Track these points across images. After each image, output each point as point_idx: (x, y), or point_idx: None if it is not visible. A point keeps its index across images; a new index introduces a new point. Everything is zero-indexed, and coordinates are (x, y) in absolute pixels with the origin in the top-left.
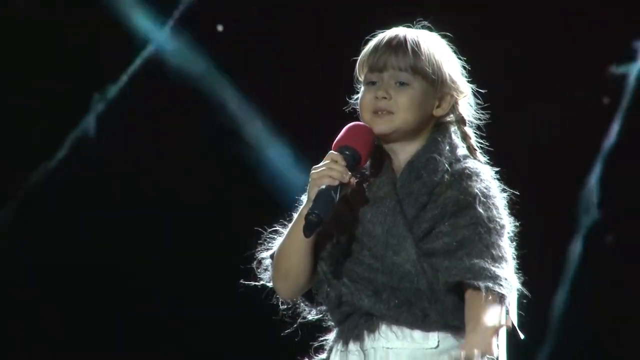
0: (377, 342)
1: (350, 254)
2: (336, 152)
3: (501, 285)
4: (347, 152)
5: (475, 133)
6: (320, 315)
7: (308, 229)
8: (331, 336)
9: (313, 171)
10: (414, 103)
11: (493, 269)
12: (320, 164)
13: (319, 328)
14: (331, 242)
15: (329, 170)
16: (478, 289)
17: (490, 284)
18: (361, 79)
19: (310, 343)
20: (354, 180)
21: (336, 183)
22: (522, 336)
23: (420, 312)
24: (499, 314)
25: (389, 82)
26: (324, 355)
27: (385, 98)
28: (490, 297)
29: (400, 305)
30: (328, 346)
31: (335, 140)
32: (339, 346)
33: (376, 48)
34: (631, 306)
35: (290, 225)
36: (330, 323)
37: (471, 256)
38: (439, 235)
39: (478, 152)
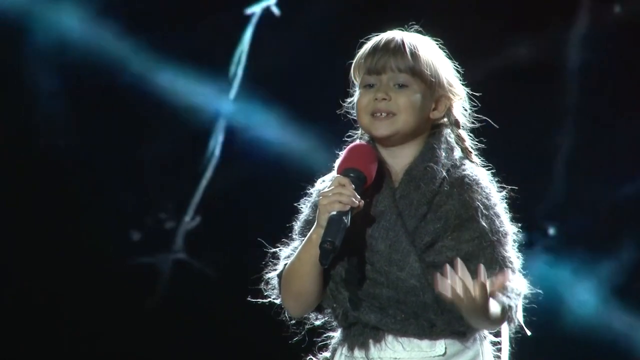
0: (383, 352)
1: (354, 269)
2: (342, 176)
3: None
4: (352, 175)
5: (469, 135)
6: (326, 319)
7: (324, 258)
8: (336, 335)
9: (322, 198)
10: (414, 104)
11: None
12: (328, 189)
13: (322, 326)
14: (336, 258)
15: (339, 195)
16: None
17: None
18: (357, 82)
19: (314, 339)
20: (362, 203)
21: (347, 208)
22: (528, 332)
23: (427, 322)
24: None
25: (387, 85)
26: (327, 354)
27: (385, 99)
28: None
29: (408, 318)
30: (332, 346)
31: (339, 163)
32: (344, 350)
33: (374, 50)
34: None
35: (299, 247)
36: (335, 323)
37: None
38: (442, 250)
39: (473, 155)
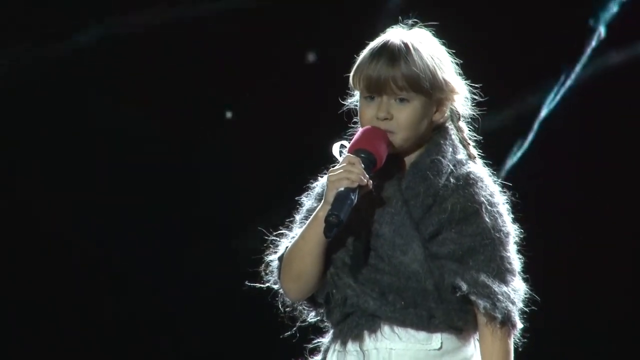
0: (379, 342)
1: (356, 255)
2: (353, 155)
3: (496, 307)
4: (362, 155)
5: (468, 127)
6: (318, 318)
7: (329, 230)
8: (327, 337)
9: (331, 174)
10: (414, 119)
11: (493, 286)
12: (338, 166)
13: (313, 330)
14: (338, 243)
15: (348, 173)
16: (480, 312)
17: (489, 305)
18: (357, 87)
19: (305, 345)
20: (371, 183)
21: (355, 185)
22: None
23: (426, 312)
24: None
25: (388, 102)
26: (318, 357)
27: (386, 119)
28: (496, 328)
29: (407, 306)
30: (323, 347)
31: (351, 144)
32: (337, 346)
33: (372, 65)
34: None
35: (304, 227)
36: (327, 324)
37: (477, 267)
38: (445, 241)
39: (471, 146)
